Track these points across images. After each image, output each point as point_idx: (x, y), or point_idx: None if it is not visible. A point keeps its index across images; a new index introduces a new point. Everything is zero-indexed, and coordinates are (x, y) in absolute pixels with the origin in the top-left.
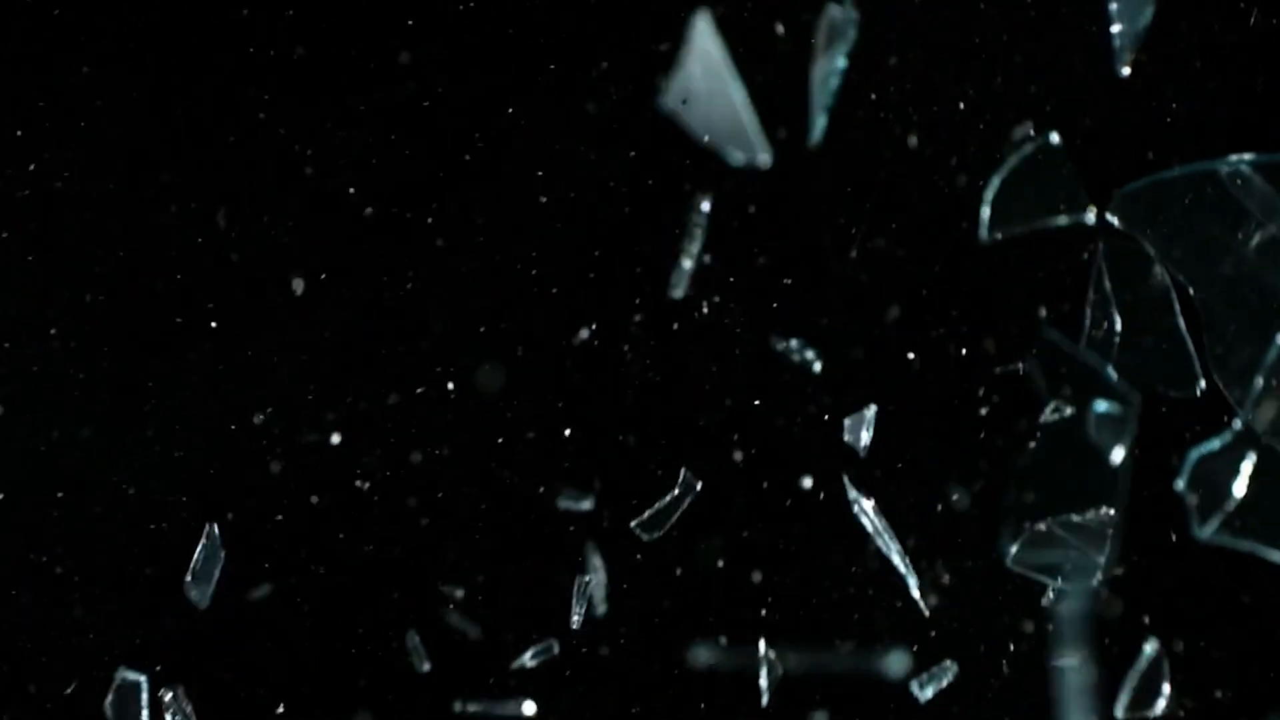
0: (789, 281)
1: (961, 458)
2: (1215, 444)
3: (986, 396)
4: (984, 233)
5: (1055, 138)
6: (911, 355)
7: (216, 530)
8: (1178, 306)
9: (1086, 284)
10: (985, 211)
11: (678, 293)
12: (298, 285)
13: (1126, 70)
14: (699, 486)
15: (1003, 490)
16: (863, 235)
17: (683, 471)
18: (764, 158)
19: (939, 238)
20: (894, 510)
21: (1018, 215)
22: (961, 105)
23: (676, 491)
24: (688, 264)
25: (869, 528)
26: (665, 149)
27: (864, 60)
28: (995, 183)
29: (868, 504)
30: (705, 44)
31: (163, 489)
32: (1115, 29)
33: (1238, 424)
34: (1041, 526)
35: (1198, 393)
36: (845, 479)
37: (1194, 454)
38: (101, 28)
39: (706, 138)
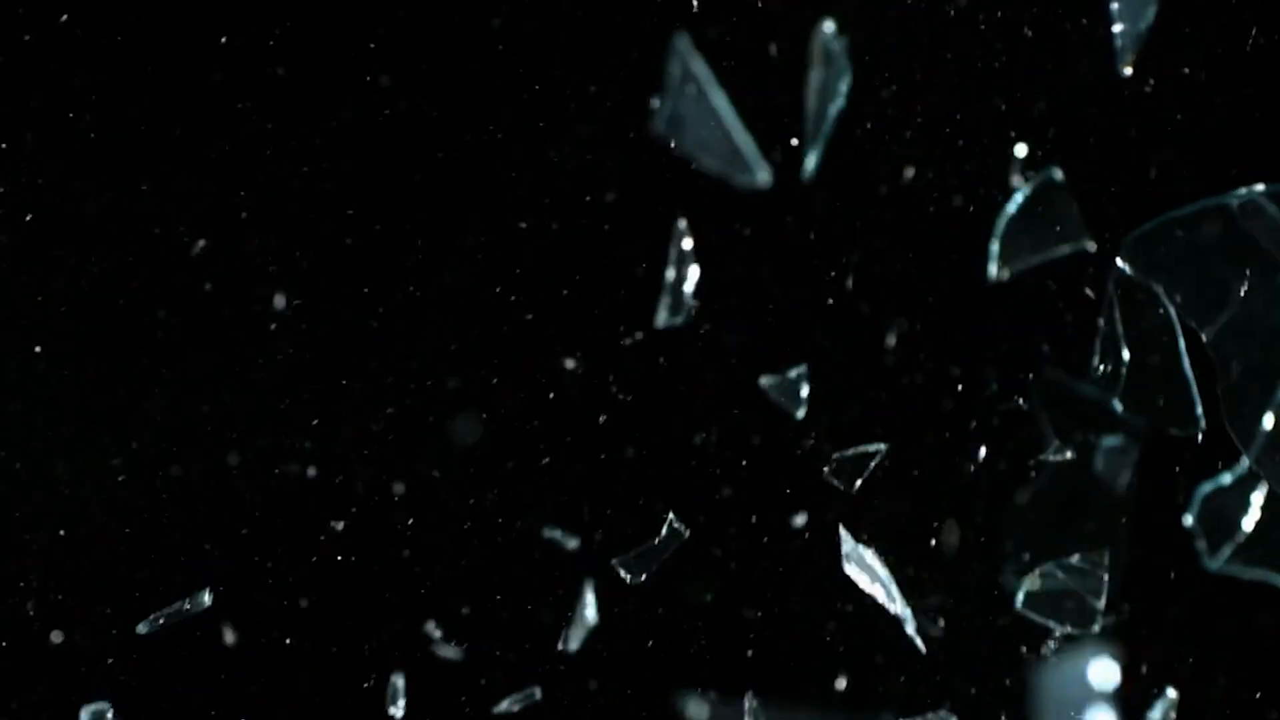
0: (781, 311)
1: (958, 495)
2: (1225, 479)
3: (985, 433)
4: (992, 273)
5: (1058, 174)
6: (908, 387)
7: (207, 598)
8: (1183, 345)
9: (1087, 318)
10: (994, 250)
11: (661, 321)
12: (279, 301)
13: (1128, 70)
14: (686, 534)
15: (1001, 528)
16: (855, 263)
17: (670, 518)
18: (763, 176)
19: (937, 265)
20: (889, 546)
21: (1022, 252)
22: (960, 106)
23: (663, 535)
24: (670, 293)
25: (865, 583)
26: (656, 172)
27: (859, 64)
28: (1001, 224)
29: (866, 553)
30: (688, 65)
31: (136, 522)
32: (1117, 29)
33: (1245, 462)
34: (1044, 570)
35: (1199, 433)
36: (841, 529)
37: (1202, 489)
38: (89, 39)
39: (701, 161)
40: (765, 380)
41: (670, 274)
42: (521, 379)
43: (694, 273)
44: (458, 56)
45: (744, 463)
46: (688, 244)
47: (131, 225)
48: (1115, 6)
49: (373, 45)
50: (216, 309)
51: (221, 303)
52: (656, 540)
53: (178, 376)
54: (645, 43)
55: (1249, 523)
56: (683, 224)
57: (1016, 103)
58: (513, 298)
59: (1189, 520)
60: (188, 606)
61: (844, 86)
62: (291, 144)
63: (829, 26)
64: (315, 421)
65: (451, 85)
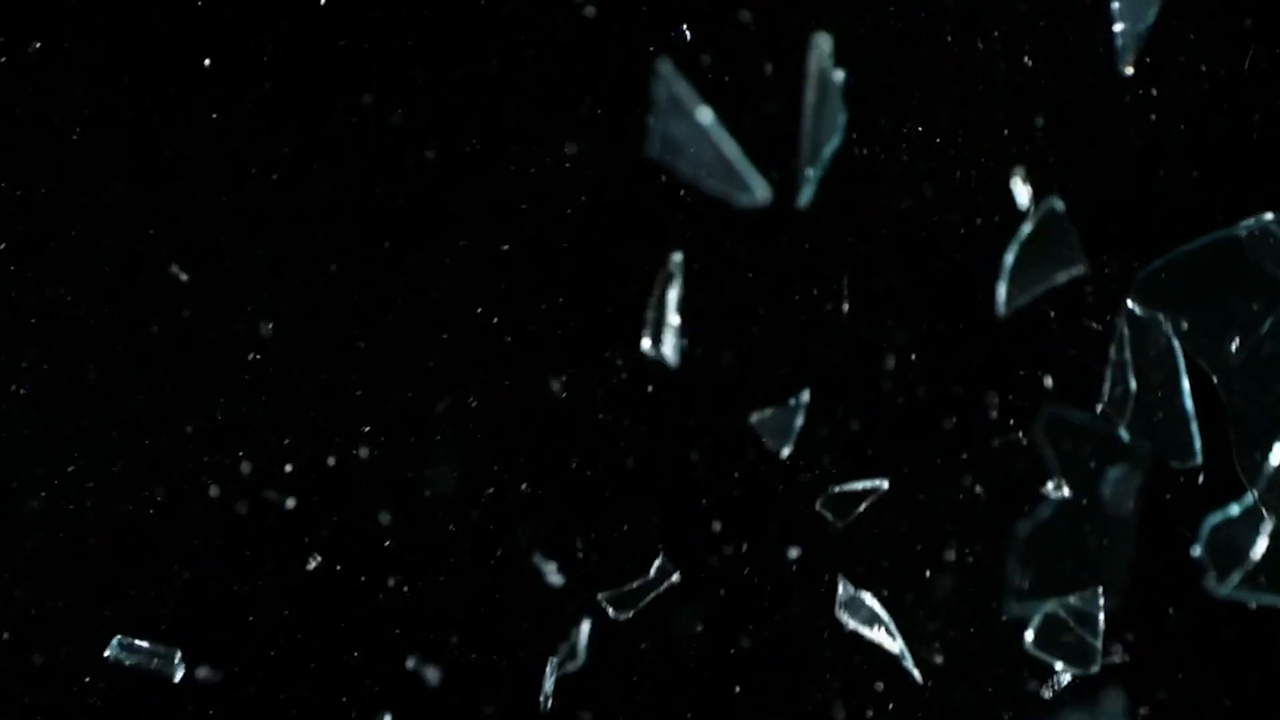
0: (775, 336)
1: (958, 525)
2: (1234, 510)
3: (985, 464)
4: (1001, 309)
5: (1059, 204)
6: (906, 416)
7: (178, 659)
8: (1185, 379)
9: (1089, 347)
10: (1001, 291)
11: (645, 346)
12: (264, 328)
13: (1129, 70)
14: (675, 577)
15: (1001, 562)
16: (849, 288)
17: (660, 558)
18: (762, 193)
19: (935, 290)
20: (886, 577)
21: (1026, 286)
22: (961, 111)
23: (651, 575)
24: (660, 321)
25: (863, 627)
26: (650, 194)
27: (853, 64)
28: (1007, 265)
29: (865, 595)
30: (672, 90)
31: (112, 549)
32: (1117, 28)
33: (1251, 497)
34: (1047, 608)
35: (1197, 467)
36: (840, 579)
37: (1210, 521)
38: (73, 57)
39: (699, 182)
40: (756, 417)
41: (658, 308)
42: (508, 402)
43: (679, 308)
44: (441, 76)
45: (736, 494)
46: (676, 282)
47: (103, 247)
48: (1116, 6)
49: (353, 70)
50: (197, 334)
51: (203, 328)
52: (646, 579)
53: (152, 405)
54: (637, 60)
55: (1258, 552)
56: (677, 258)
57: (1015, 106)
58: (496, 319)
59: (1197, 551)
60: (157, 662)
61: (840, 121)
62: (274, 172)
63: (826, 56)
64: (292, 446)
65: (435, 103)
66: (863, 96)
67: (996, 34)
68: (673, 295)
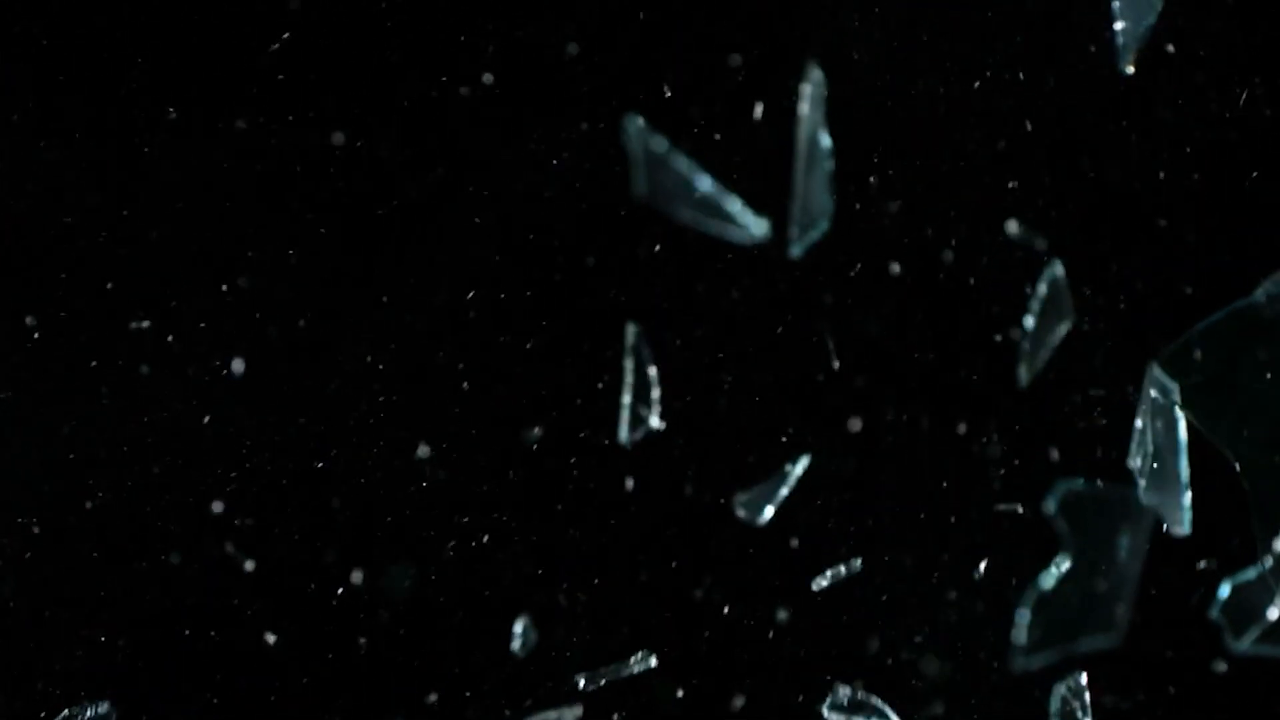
0: (760, 404)
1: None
2: (1250, 574)
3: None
4: (1023, 381)
5: (1060, 270)
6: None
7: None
8: (1184, 447)
9: (1096, 415)
10: (1022, 371)
11: (623, 436)
12: (237, 366)
13: (1130, 69)
14: (654, 663)
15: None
16: (836, 345)
17: (640, 654)
18: (759, 230)
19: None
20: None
21: (1037, 351)
22: (961, 112)
23: (631, 664)
24: (631, 410)
25: None
26: (631, 234)
27: (846, 65)
28: (1027, 329)
29: (859, 692)
30: (647, 146)
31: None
32: (1118, 27)
33: (1266, 562)
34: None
35: (1184, 533)
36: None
37: (1226, 585)
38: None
39: (693, 223)
40: (740, 498)
41: (630, 391)
42: (484, 455)
43: (655, 388)
44: (421, 118)
45: (719, 564)
46: (650, 363)
47: (80, 258)
48: (1116, 6)
49: (328, 108)
50: (158, 388)
51: (166, 378)
52: (621, 665)
53: (109, 472)
54: (619, 103)
55: (1274, 613)
56: (631, 331)
57: (1015, 106)
58: (462, 364)
59: (1214, 614)
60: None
61: (829, 203)
62: (249, 209)
63: (814, 120)
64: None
65: (415, 145)
66: (856, 99)
67: (996, 34)
68: (631, 369)
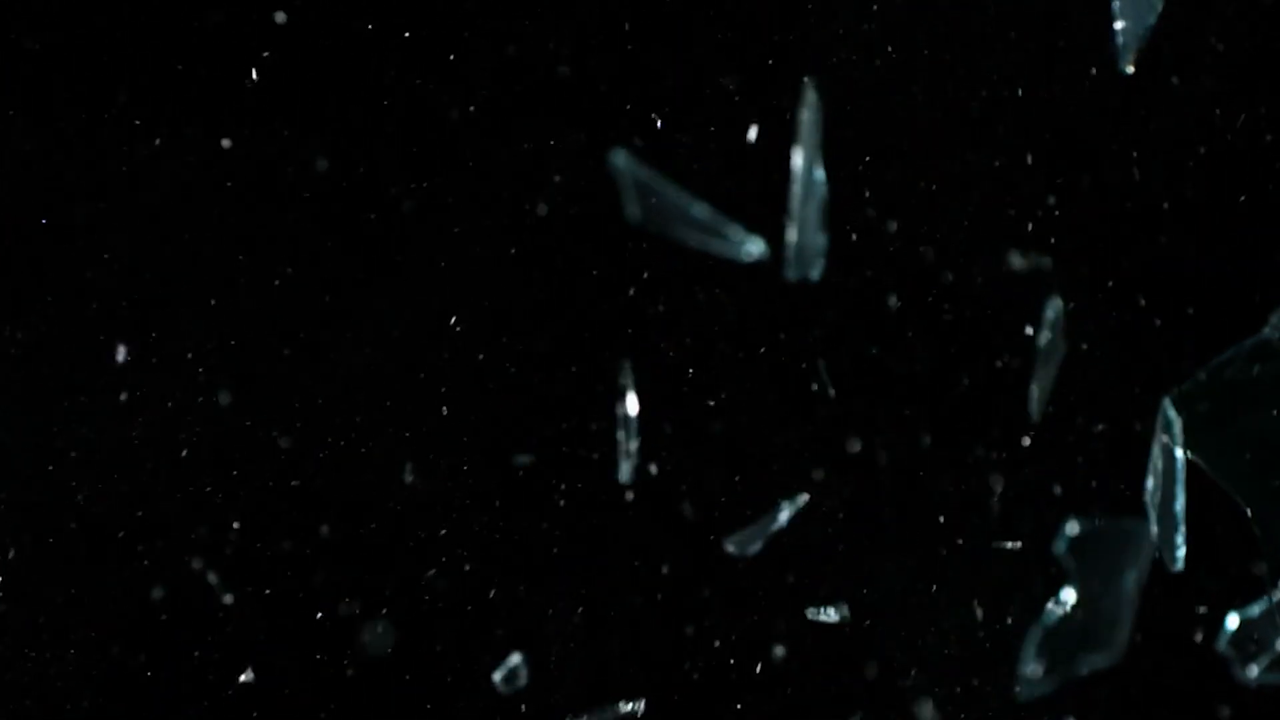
0: (755, 440)
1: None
2: (1255, 610)
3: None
4: (1034, 414)
5: (1058, 305)
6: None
7: None
8: (1181, 484)
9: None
10: (1034, 399)
11: (623, 477)
12: (223, 398)
13: (1130, 69)
14: (641, 710)
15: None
16: (829, 374)
17: (630, 705)
18: (757, 249)
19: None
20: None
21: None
22: (959, 114)
23: (620, 710)
24: (628, 447)
25: None
26: (626, 258)
27: (846, 68)
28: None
29: None
30: (636, 176)
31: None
32: (1118, 27)
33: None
34: None
35: (1177, 568)
36: None
37: (1232, 618)
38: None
39: (690, 242)
40: (733, 537)
41: (622, 435)
42: (474, 486)
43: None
44: (416, 141)
45: (710, 603)
46: (633, 405)
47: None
48: (1116, 5)
49: (320, 128)
50: (135, 416)
51: (147, 407)
52: (607, 710)
53: (97, 481)
54: (611, 130)
55: None
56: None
57: (1016, 106)
58: (446, 388)
59: (1222, 645)
60: None
61: (826, 222)
62: (236, 242)
63: (810, 149)
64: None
65: (409, 169)
66: (854, 101)
67: (996, 35)
68: (628, 412)
